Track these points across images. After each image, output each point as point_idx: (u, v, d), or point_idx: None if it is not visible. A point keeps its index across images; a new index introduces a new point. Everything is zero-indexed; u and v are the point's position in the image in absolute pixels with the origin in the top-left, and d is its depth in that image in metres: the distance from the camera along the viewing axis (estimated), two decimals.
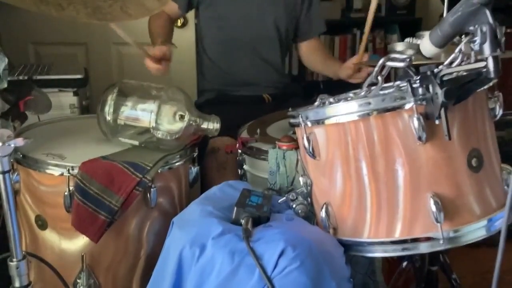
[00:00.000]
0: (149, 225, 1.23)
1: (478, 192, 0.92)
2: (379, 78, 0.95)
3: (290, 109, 1.04)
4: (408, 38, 1.04)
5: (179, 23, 2.65)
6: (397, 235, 0.92)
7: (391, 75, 1.40)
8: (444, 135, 0.85)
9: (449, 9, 0.93)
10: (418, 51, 0.97)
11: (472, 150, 0.91)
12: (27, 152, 1.21)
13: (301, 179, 1.07)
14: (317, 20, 1.93)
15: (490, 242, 0.95)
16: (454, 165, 0.90)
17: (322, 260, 0.89)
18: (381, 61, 0.95)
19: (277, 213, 1.05)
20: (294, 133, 1.16)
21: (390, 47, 1.71)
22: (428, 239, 0.90)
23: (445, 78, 0.86)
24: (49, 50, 2.61)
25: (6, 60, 1.14)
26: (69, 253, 1.20)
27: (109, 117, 1.22)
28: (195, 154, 1.34)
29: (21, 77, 1.79)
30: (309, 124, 0.98)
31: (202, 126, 1.24)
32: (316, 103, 1.05)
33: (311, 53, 1.96)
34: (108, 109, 1.22)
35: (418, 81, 0.87)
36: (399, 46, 1.40)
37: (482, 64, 0.84)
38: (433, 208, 0.87)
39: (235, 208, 0.99)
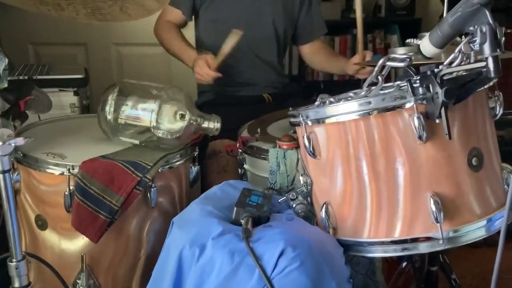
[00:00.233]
0: (149, 224, 1.23)
1: (478, 191, 0.92)
2: (379, 77, 0.95)
3: (290, 109, 1.04)
4: (409, 39, 1.04)
5: None
6: (397, 235, 0.92)
7: (391, 75, 1.40)
8: (445, 134, 0.85)
9: (449, 9, 0.94)
10: (418, 51, 0.97)
11: (472, 149, 0.91)
12: (28, 152, 1.21)
13: (301, 178, 1.07)
14: (318, 22, 1.93)
15: (490, 242, 0.95)
16: (454, 164, 0.90)
17: (322, 260, 0.89)
18: (381, 61, 0.95)
19: (277, 213, 1.05)
20: (295, 132, 1.16)
21: (390, 51, 1.71)
22: (428, 239, 0.90)
23: (445, 78, 0.86)
24: (49, 50, 2.61)
25: (6, 60, 1.14)
26: (69, 253, 1.20)
27: (109, 116, 1.22)
28: (196, 154, 1.34)
29: (21, 77, 1.79)
30: (309, 123, 0.98)
31: (202, 125, 1.24)
32: (317, 103, 1.05)
33: (314, 54, 1.97)
34: (109, 108, 1.22)
35: (418, 80, 0.87)
36: (400, 50, 1.40)
37: (482, 64, 0.84)
38: (433, 207, 0.87)
39: (235, 208, 0.99)
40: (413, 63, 0.94)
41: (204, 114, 1.25)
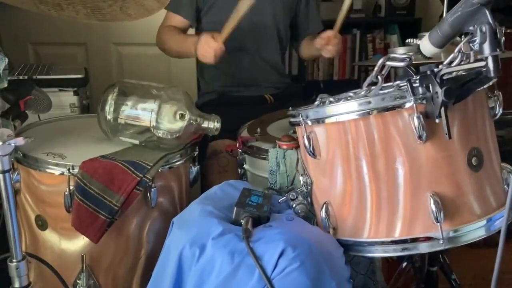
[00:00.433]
0: (149, 224, 1.23)
1: (478, 191, 0.92)
2: (379, 77, 0.95)
3: (290, 108, 1.04)
4: (409, 39, 1.04)
5: None
6: (397, 235, 0.92)
7: (391, 75, 1.40)
8: (444, 134, 0.85)
9: (448, 9, 0.94)
10: (418, 51, 0.97)
11: (472, 149, 0.91)
12: (28, 151, 1.21)
13: (301, 178, 1.07)
14: (314, 19, 1.93)
15: (490, 242, 0.95)
16: (454, 164, 0.90)
17: (322, 261, 0.89)
18: (381, 61, 0.95)
19: (277, 213, 1.05)
20: (295, 132, 1.16)
21: (390, 51, 1.71)
22: (428, 239, 0.90)
23: (445, 78, 0.86)
24: (49, 50, 2.61)
25: (6, 60, 1.14)
26: (69, 253, 1.20)
27: (109, 116, 1.22)
28: (196, 154, 1.34)
29: (21, 77, 1.80)
30: (309, 123, 0.98)
31: (202, 125, 1.24)
32: (316, 103, 1.05)
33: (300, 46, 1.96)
34: (109, 108, 1.22)
35: (418, 80, 0.87)
36: (400, 50, 1.39)
37: (482, 63, 0.84)
38: (433, 207, 0.87)
39: (235, 208, 0.99)
40: (413, 62, 0.94)
41: (204, 114, 1.25)
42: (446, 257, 1.31)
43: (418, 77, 0.87)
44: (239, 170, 1.38)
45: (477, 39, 0.84)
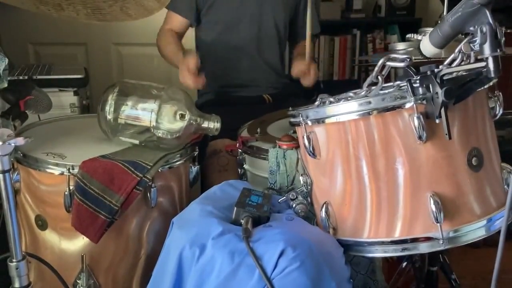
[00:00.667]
0: (149, 225, 1.23)
1: (478, 191, 0.92)
2: (379, 77, 0.95)
3: (290, 108, 1.04)
4: (410, 34, 1.04)
5: None
6: (397, 235, 0.92)
7: (391, 75, 1.40)
8: (444, 134, 0.85)
9: (449, 9, 0.94)
10: (418, 47, 0.97)
11: (472, 149, 0.91)
12: (28, 151, 1.21)
13: (301, 178, 1.07)
14: (313, 21, 1.92)
15: (490, 242, 0.95)
16: (454, 164, 0.90)
17: (322, 261, 0.89)
18: (381, 61, 0.95)
19: (277, 213, 1.05)
20: (295, 132, 1.16)
21: (391, 47, 1.71)
22: (428, 239, 0.90)
23: (445, 78, 0.86)
24: (49, 50, 2.62)
25: (6, 60, 1.14)
26: (69, 253, 1.20)
27: (109, 116, 1.22)
28: (196, 154, 1.34)
29: (21, 77, 1.80)
30: (309, 123, 0.98)
31: (202, 125, 1.24)
32: (317, 103, 1.05)
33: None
34: (109, 108, 1.22)
35: (418, 80, 0.87)
36: (400, 46, 1.40)
37: (482, 64, 0.84)
38: (433, 207, 0.87)
39: (235, 208, 0.98)
40: (413, 62, 0.94)
41: (204, 114, 1.25)
42: (446, 257, 1.31)
43: (418, 77, 0.87)
44: (239, 170, 1.38)
45: (478, 39, 0.83)
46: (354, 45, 3.07)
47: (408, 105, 0.87)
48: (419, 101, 0.86)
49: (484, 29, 0.82)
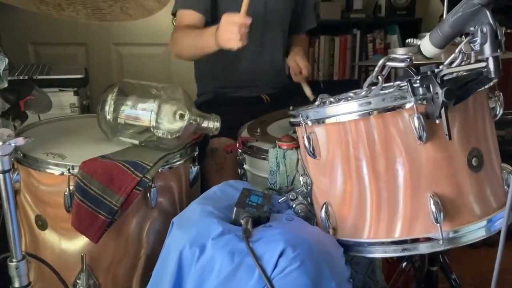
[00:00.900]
0: (149, 225, 1.23)
1: (478, 192, 0.92)
2: (380, 78, 0.95)
3: (290, 108, 1.04)
4: (410, 39, 1.04)
5: None
6: (397, 235, 0.92)
7: (391, 75, 1.40)
8: (445, 135, 0.85)
9: (449, 9, 0.94)
10: (418, 51, 0.97)
11: (472, 150, 0.91)
12: (28, 152, 1.21)
13: (301, 178, 1.07)
14: (310, 15, 1.92)
15: (490, 242, 0.95)
16: (454, 164, 0.90)
17: (322, 261, 0.89)
18: (381, 61, 0.95)
19: (277, 213, 1.05)
20: (295, 132, 1.16)
21: (390, 52, 1.71)
22: (428, 239, 0.90)
23: (445, 78, 0.86)
24: (49, 50, 2.62)
25: (6, 60, 1.14)
26: (69, 253, 1.20)
27: (109, 116, 1.22)
28: (196, 154, 1.34)
29: (21, 77, 1.80)
30: (309, 123, 0.98)
31: (202, 125, 1.24)
32: (317, 103, 1.05)
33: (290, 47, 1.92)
34: (109, 108, 1.22)
35: (418, 81, 0.87)
36: (400, 51, 1.39)
37: (482, 64, 0.84)
38: (433, 208, 0.87)
39: (235, 208, 0.99)
40: (414, 63, 0.94)
41: (204, 114, 1.25)
42: (446, 257, 1.31)
43: (418, 78, 0.87)
44: (239, 170, 1.38)
45: (478, 39, 0.83)
46: (354, 45, 3.07)
47: (408, 106, 0.87)
48: (419, 102, 0.86)
49: (485, 29, 0.82)
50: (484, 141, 0.95)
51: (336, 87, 2.98)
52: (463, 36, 0.89)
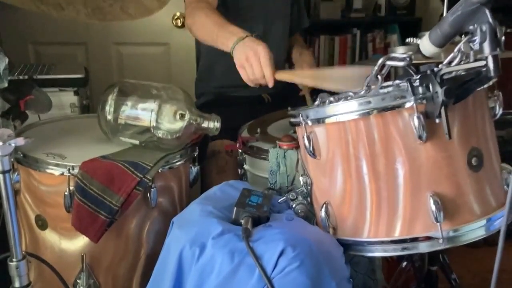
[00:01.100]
0: (149, 225, 1.23)
1: (478, 191, 0.92)
2: (379, 77, 0.95)
3: (290, 108, 1.04)
4: (409, 38, 1.04)
5: (179, 23, 2.66)
6: (396, 235, 0.92)
7: (391, 75, 1.40)
8: (444, 134, 0.85)
9: (448, 9, 0.94)
10: (418, 50, 0.97)
11: (472, 149, 0.91)
12: (28, 152, 1.21)
13: (301, 178, 1.07)
14: (303, 14, 1.91)
15: (490, 242, 0.95)
16: (454, 164, 0.90)
17: (322, 260, 0.89)
18: (381, 60, 0.95)
19: (277, 213, 1.05)
20: (295, 132, 1.16)
21: (390, 51, 1.71)
22: (427, 238, 0.90)
23: (445, 77, 0.86)
24: (49, 50, 2.61)
25: (6, 60, 1.14)
26: (69, 253, 1.20)
27: (109, 117, 1.22)
28: (196, 154, 1.34)
29: (21, 77, 1.80)
30: (309, 123, 0.98)
31: (202, 125, 1.24)
32: (316, 103, 1.06)
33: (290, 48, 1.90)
34: (109, 108, 1.22)
35: (418, 80, 0.87)
36: (400, 50, 1.39)
37: (482, 63, 0.84)
38: (433, 207, 0.87)
39: (235, 208, 0.99)
40: (413, 62, 0.94)
41: (204, 114, 1.25)
42: (446, 257, 1.31)
43: (418, 77, 0.87)
44: (239, 170, 1.38)
45: (477, 38, 0.83)
46: (354, 44, 3.07)
47: (408, 105, 0.87)
48: (419, 101, 0.86)
49: (484, 28, 0.82)
50: (484, 141, 0.95)
51: None
52: (463, 35, 0.89)
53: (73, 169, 1.14)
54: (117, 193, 1.13)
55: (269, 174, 1.23)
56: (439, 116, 0.84)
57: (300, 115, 0.99)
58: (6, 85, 1.12)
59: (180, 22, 2.64)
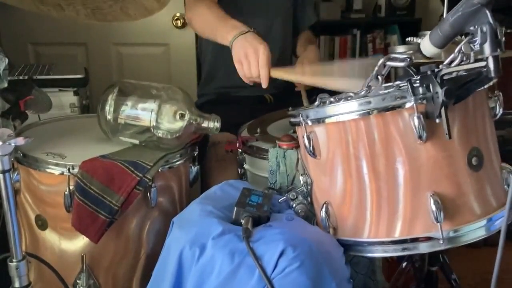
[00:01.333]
0: (149, 224, 1.23)
1: (478, 191, 0.92)
2: (379, 77, 0.95)
3: (290, 108, 1.04)
4: (410, 38, 1.04)
5: (179, 24, 2.66)
6: (397, 235, 0.92)
7: (391, 75, 1.40)
8: (445, 134, 0.85)
9: (449, 9, 0.93)
10: (418, 50, 0.97)
11: (472, 149, 0.91)
12: (28, 151, 1.21)
13: (301, 178, 1.07)
14: (310, 9, 1.89)
15: (490, 242, 0.95)
16: (454, 164, 0.90)
17: (322, 261, 0.89)
18: (381, 61, 0.95)
19: (277, 213, 1.05)
20: (295, 132, 1.16)
21: (390, 50, 1.70)
22: (428, 239, 0.90)
23: (445, 78, 0.86)
24: (49, 50, 2.62)
25: (6, 60, 1.14)
26: (69, 253, 1.20)
27: (109, 116, 1.22)
28: (196, 153, 1.34)
29: (21, 77, 1.80)
30: (309, 123, 0.98)
31: (202, 125, 1.24)
32: (317, 103, 1.05)
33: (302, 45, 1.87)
34: (109, 108, 1.22)
35: (418, 80, 0.87)
36: (400, 49, 1.39)
37: (482, 63, 0.84)
38: (433, 207, 0.87)
39: (235, 208, 0.99)
40: (414, 62, 0.94)
41: (204, 114, 1.25)
42: (446, 257, 1.31)
43: (418, 77, 0.87)
44: (239, 170, 1.38)
45: (478, 39, 0.83)
46: (354, 45, 3.07)
47: (408, 105, 0.87)
48: (419, 101, 0.86)
49: (484, 29, 0.82)
50: (484, 141, 0.95)
51: None
52: (463, 36, 0.89)
53: (73, 168, 1.14)
54: (117, 192, 1.13)
55: (269, 173, 1.23)
56: (439, 116, 0.84)
57: (300, 115, 0.99)
58: (6, 85, 1.12)
59: (180, 22, 2.64)
